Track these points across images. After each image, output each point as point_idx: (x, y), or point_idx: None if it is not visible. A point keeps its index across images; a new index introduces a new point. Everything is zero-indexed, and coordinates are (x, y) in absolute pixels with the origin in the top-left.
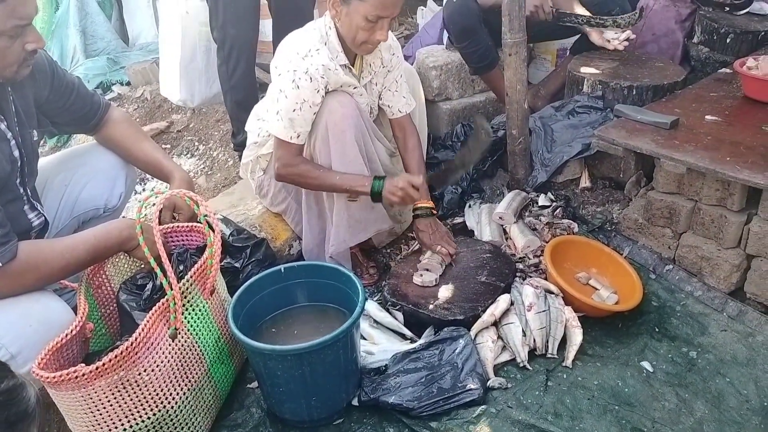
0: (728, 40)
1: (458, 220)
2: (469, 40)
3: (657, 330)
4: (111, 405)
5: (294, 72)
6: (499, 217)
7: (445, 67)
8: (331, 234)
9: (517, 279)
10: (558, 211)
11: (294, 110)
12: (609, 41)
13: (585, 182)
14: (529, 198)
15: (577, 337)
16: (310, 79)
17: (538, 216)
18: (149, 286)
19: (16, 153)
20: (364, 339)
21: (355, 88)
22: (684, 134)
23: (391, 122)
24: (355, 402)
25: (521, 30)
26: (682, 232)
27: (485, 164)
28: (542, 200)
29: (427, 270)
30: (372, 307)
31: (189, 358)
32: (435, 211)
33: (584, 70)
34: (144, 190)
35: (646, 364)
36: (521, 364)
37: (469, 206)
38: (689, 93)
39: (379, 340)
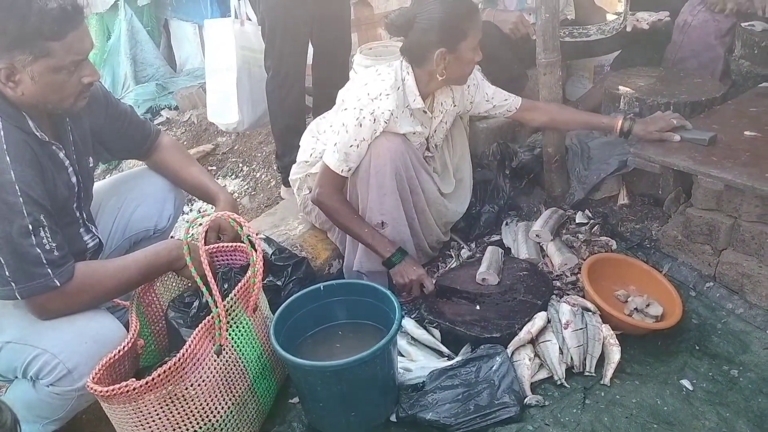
0: None
1: (495, 237)
2: (495, 65)
3: (697, 348)
4: (160, 418)
5: (360, 111)
6: (536, 235)
7: None
8: (359, 253)
9: (554, 297)
10: (596, 228)
11: (351, 146)
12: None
13: (623, 199)
14: (566, 215)
15: (615, 355)
16: (374, 120)
17: (575, 233)
18: (196, 303)
19: (74, 180)
20: (402, 356)
21: (414, 133)
22: (722, 150)
23: (522, 108)
24: (393, 418)
25: (555, 50)
26: (722, 248)
27: (522, 182)
28: (579, 217)
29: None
30: (410, 324)
31: (233, 373)
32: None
33: (621, 87)
34: (191, 211)
35: (686, 383)
36: (558, 382)
37: (506, 224)
38: (728, 108)
39: (416, 357)
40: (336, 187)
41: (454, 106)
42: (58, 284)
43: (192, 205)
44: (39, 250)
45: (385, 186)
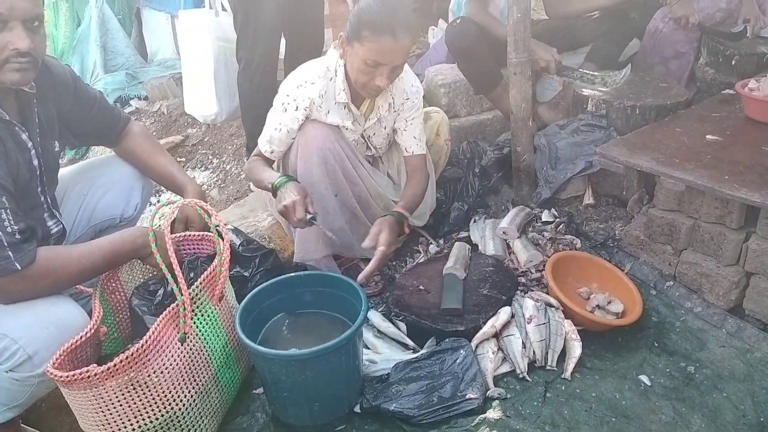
0: (733, 62)
1: (463, 234)
2: (470, 62)
3: (656, 345)
4: (121, 405)
5: (286, 96)
6: (503, 232)
7: (454, 84)
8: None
9: (518, 292)
10: (561, 227)
11: (275, 129)
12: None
13: (588, 199)
14: (532, 214)
15: (576, 350)
16: (296, 107)
17: (541, 231)
18: (161, 292)
19: (36, 162)
20: (368, 348)
21: (345, 128)
22: (684, 153)
23: (405, 160)
24: (357, 409)
25: (526, 50)
26: (683, 249)
27: (491, 180)
28: (546, 216)
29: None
30: (376, 317)
31: (197, 361)
32: (404, 223)
33: (588, 90)
34: (159, 201)
35: (644, 378)
36: (521, 375)
37: (474, 221)
38: (692, 113)
39: (382, 350)
40: (260, 157)
41: (393, 112)
42: (19, 267)
43: (159, 196)
44: (0, 233)
45: (313, 175)
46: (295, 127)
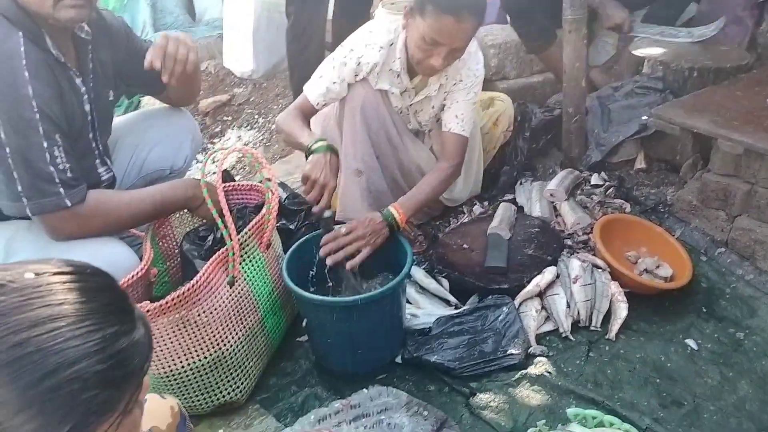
0: None
1: (509, 197)
2: (525, 19)
3: (704, 310)
4: (172, 342)
5: (351, 51)
6: (550, 194)
7: (504, 45)
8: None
9: (564, 253)
10: (611, 190)
11: (333, 82)
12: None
13: (640, 163)
14: (581, 177)
15: (622, 311)
16: (358, 63)
17: (590, 195)
18: (210, 237)
19: (88, 108)
20: (410, 303)
21: (392, 94)
22: (744, 116)
23: (441, 136)
24: (398, 360)
25: (582, 7)
26: (737, 215)
27: (539, 143)
28: (595, 179)
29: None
30: (419, 273)
31: (244, 305)
32: (397, 227)
33: (644, 51)
34: (206, 158)
35: (690, 342)
36: (564, 335)
37: (521, 183)
38: (753, 77)
39: (424, 305)
40: (300, 110)
41: (444, 92)
42: (69, 204)
43: (205, 153)
44: (52, 168)
45: (356, 133)
46: (349, 82)
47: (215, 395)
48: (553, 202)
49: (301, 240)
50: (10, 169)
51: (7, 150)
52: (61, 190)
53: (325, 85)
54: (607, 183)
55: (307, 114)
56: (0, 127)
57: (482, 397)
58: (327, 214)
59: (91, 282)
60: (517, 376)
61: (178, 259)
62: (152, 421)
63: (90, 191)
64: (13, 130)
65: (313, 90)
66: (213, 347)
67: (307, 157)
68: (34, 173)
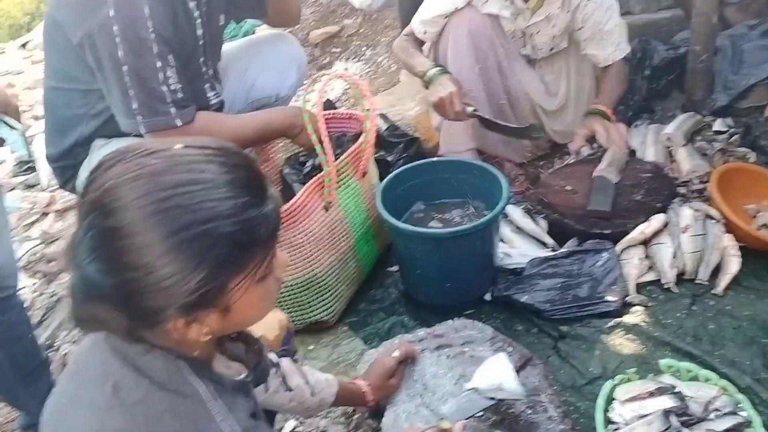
0: None
1: None
2: None
3: None
4: None
5: None
6: (667, 138)
7: None
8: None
9: (675, 201)
10: (735, 138)
11: (430, 11)
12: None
13: None
14: (703, 122)
15: (733, 266)
16: None
17: (711, 141)
18: (309, 163)
19: (200, 32)
20: (504, 243)
21: (502, 17)
22: None
23: (603, 71)
24: (487, 297)
25: None
26: None
27: (660, 83)
28: (718, 125)
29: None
30: (516, 213)
31: (338, 231)
32: (610, 118)
33: None
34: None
35: None
36: (666, 285)
37: (636, 125)
38: None
39: (518, 245)
40: (411, 42)
41: (568, 12)
42: (179, 124)
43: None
44: (165, 88)
45: (462, 60)
46: (449, 12)
47: (308, 313)
48: (669, 147)
49: (399, 170)
50: (126, 86)
51: (124, 68)
52: (172, 110)
53: (425, 12)
54: (732, 129)
55: (416, 44)
56: (119, 45)
57: (571, 342)
58: (478, 111)
59: (232, 158)
60: (611, 323)
61: (278, 184)
62: (261, 330)
63: (199, 113)
64: (130, 48)
65: (416, 18)
66: (306, 268)
67: (426, 86)
68: (147, 92)
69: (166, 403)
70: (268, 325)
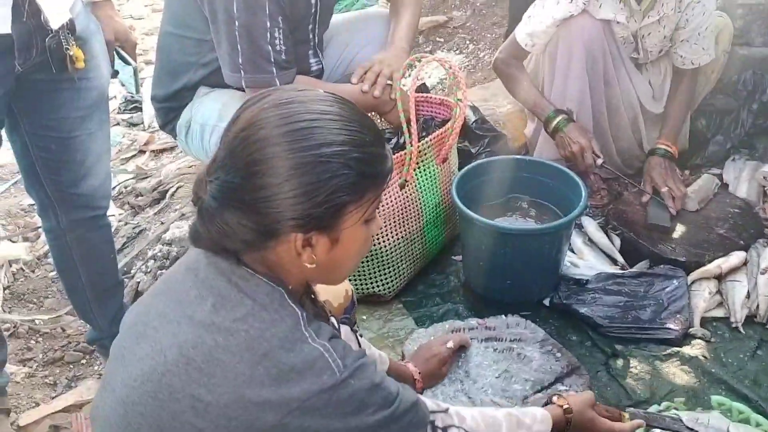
0: None
1: (715, 171)
2: None
3: None
4: None
5: None
6: (764, 177)
7: (755, 7)
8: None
9: (759, 242)
10: None
11: (541, 22)
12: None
13: None
14: None
15: None
16: (571, 0)
17: None
18: (394, 141)
19: (313, 1)
20: (573, 253)
21: (617, 23)
22: None
23: (682, 73)
24: (546, 302)
25: None
26: None
27: (766, 120)
28: None
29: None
30: (591, 225)
31: (410, 210)
32: (674, 156)
33: None
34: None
35: None
36: (734, 324)
37: (733, 159)
38: None
39: (588, 258)
40: (515, 57)
41: (678, 12)
42: (278, 84)
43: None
44: (270, 48)
45: (572, 69)
46: (562, 18)
47: (367, 284)
48: (764, 186)
49: (479, 162)
50: (236, 41)
51: (236, 24)
52: (274, 69)
53: (533, 26)
54: None
55: (520, 57)
56: (235, 1)
57: (624, 361)
58: (606, 164)
59: (364, 114)
60: (668, 351)
61: None
62: (327, 295)
63: (298, 76)
64: (245, 5)
65: (522, 30)
66: (374, 241)
67: (547, 130)
68: (254, 49)
69: (268, 322)
70: (336, 292)
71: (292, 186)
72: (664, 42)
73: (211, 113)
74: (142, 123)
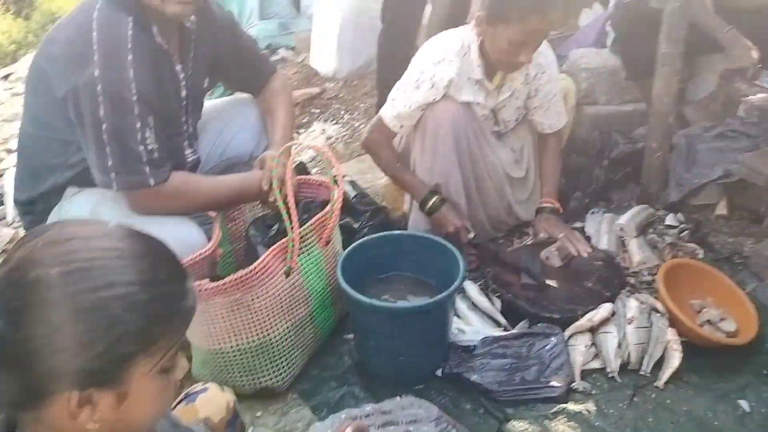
0: None
1: (577, 224)
2: (634, 43)
3: (765, 373)
4: (224, 321)
5: (421, 73)
6: (620, 228)
7: (597, 70)
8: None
9: (623, 292)
10: (685, 233)
11: (405, 106)
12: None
13: (722, 210)
14: (656, 215)
15: (675, 360)
16: (432, 86)
17: (662, 235)
18: (276, 227)
19: (184, 93)
20: (459, 318)
21: (478, 104)
22: None
23: (543, 138)
24: (439, 373)
25: (679, 42)
26: None
27: (618, 174)
28: (670, 220)
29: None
30: (473, 290)
31: (297, 296)
32: (559, 211)
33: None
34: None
35: (743, 403)
36: (610, 375)
37: (592, 212)
38: None
39: (472, 322)
40: (385, 137)
41: (527, 84)
42: (152, 183)
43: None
44: (141, 148)
45: (440, 148)
46: (426, 103)
47: (258, 379)
48: (622, 237)
49: (361, 240)
50: (103, 143)
51: (104, 126)
52: (147, 169)
53: (397, 109)
54: (682, 225)
55: (389, 137)
56: (101, 104)
57: (516, 425)
58: (470, 236)
59: (160, 246)
60: (555, 409)
61: (244, 242)
62: (208, 411)
63: (173, 173)
64: (112, 108)
65: (388, 113)
66: (261, 332)
67: (423, 210)
68: (124, 151)
69: None
70: (216, 407)
71: (63, 337)
72: (519, 111)
73: (83, 214)
74: (5, 218)
